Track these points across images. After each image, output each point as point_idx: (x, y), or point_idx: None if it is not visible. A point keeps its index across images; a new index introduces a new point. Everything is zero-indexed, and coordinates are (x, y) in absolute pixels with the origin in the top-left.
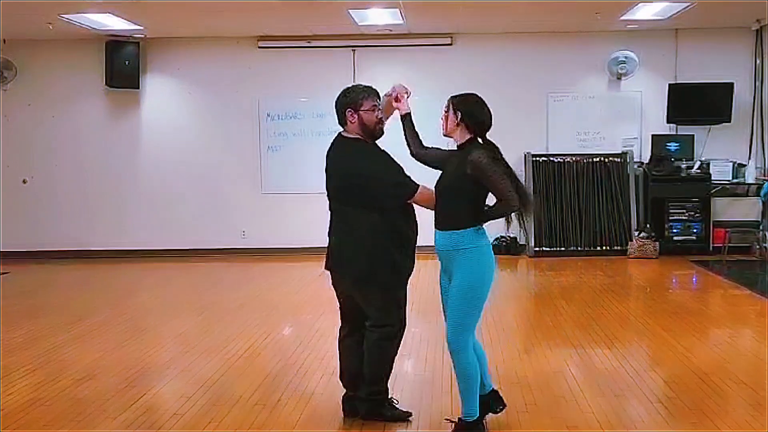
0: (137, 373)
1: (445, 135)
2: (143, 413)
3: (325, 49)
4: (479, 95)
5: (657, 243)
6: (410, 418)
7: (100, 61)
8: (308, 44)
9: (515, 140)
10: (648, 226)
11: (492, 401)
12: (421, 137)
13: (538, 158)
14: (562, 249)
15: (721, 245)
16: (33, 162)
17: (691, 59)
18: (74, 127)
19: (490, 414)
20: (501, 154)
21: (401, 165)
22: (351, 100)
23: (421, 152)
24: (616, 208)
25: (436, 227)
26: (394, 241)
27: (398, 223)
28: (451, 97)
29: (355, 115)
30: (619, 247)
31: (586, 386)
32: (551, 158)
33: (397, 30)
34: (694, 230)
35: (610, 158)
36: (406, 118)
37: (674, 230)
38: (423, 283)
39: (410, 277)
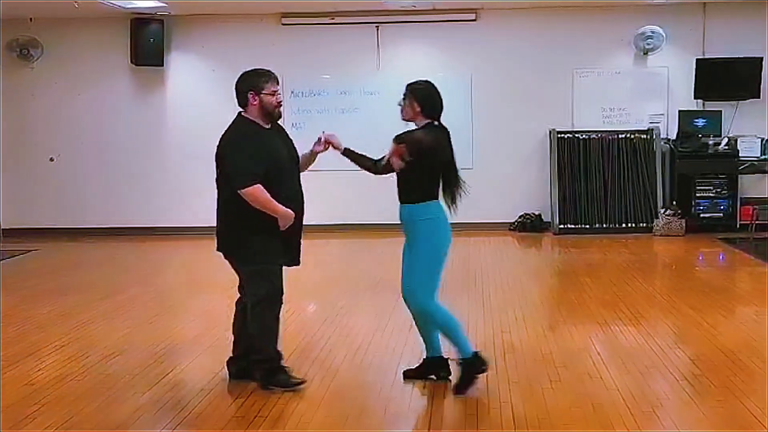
0: (165, 349)
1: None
2: (171, 389)
3: (349, 25)
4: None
5: (683, 220)
6: (302, 386)
7: (125, 39)
8: (332, 21)
9: (540, 117)
10: (674, 203)
11: (438, 367)
12: (366, 154)
13: (563, 135)
14: (587, 226)
15: (748, 222)
16: (60, 140)
17: (719, 34)
18: (100, 105)
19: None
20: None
21: (268, 158)
22: (254, 83)
23: (380, 167)
24: (641, 185)
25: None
26: (246, 221)
27: (248, 206)
28: (408, 85)
29: (257, 98)
30: (644, 225)
31: (611, 363)
32: (576, 135)
33: (421, 6)
34: (721, 207)
35: (636, 135)
36: (347, 153)
37: (701, 207)
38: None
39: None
